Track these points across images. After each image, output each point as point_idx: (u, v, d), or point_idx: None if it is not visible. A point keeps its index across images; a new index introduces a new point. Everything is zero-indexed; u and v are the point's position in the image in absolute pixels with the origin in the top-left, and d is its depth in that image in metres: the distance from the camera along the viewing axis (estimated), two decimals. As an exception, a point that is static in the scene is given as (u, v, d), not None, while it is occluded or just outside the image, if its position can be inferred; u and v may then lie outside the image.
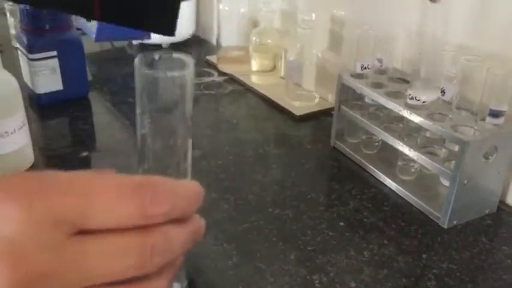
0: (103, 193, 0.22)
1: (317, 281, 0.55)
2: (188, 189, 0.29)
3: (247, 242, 0.62)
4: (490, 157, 0.64)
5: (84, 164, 0.78)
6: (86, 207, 0.21)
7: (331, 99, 0.96)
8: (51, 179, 0.22)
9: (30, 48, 0.89)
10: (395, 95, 0.72)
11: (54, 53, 0.91)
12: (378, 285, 0.55)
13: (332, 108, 0.94)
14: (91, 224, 0.21)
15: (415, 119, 0.67)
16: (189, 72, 0.31)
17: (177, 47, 1.30)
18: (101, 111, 0.96)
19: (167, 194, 0.25)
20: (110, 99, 1.00)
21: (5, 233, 0.19)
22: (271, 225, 0.65)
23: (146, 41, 1.23)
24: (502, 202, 0.69)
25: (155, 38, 1.18)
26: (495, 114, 0.63)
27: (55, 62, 0.91)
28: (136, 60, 0.31)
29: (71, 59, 0.93)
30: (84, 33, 1.03)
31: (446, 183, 0.69)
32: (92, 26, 0.99)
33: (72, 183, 0.22)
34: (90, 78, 1.06)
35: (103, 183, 0.22)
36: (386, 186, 0.74)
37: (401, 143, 0.71)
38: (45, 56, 0.90)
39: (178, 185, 0.28)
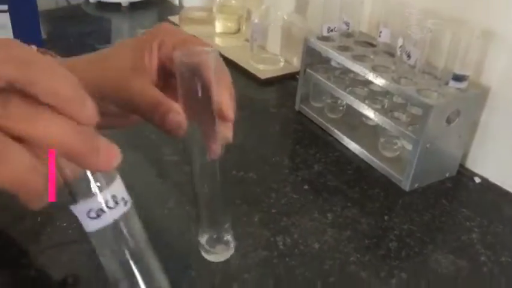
0: None
1: (281, 243, 0.55)
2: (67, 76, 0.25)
3: (210, 204, 0.61)
4: (452, 121, 0.64)
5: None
6: None
7: (296, 63, 0.95)
8: None
9: (-22, 2, 0.84)
10: (361, 59, 0.72)
11: (5, 7, 0.85)
12: (341, 246, 0.55)
13: (297, 72, 0.92)
14: None
15: (380, 82, 0.67)
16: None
17: (137, 6, 1.25)
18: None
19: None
20: (66, 59, 0.96)
21: None
22: (234, 187, 0.64)
23: (104, 0, 1.18)
24: (462, 166, 0.70)
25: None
26: (459, 78, 0.64)
27: (6, 18, 0.86)
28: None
29: (24, 14, 0.88)
30: (37, -12, 0.97)
31: (409, 146, 0.69)
32: (46, -20, 0.94)
33: None
34: (44, 36, 1.00)
35: None
36: (349, 150, 0.74)
37: (366, 107, 0.71)
38: (-6, 11, 0.85)
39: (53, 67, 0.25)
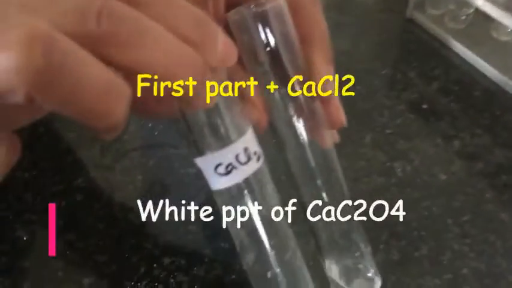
0: None
1: (399, 169, 0.46)
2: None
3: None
4: None
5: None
6: None
7: (408, -37, 0.80)
8: None
9: None
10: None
11: None
12: (473, 180, 0.46)
13: (408, -26, 0.78)
14: None
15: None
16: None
17: None
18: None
19: None
20: None
21: None
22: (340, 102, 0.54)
23: None
24: None
25: None
26: None
27: None
28: None
29: None
30: None
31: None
32: None
33: None
34: None
35: None
36: (474, 67, 0.61)
37: (504, 14, 0.57)
38: None
39: None
